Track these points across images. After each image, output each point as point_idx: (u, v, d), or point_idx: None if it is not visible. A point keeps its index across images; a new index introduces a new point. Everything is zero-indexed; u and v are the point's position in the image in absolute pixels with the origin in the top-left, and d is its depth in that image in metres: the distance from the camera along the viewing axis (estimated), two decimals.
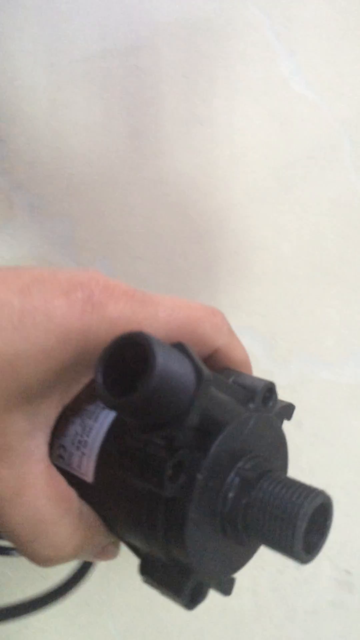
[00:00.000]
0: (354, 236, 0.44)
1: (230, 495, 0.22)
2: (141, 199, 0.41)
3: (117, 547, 0.25)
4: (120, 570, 0.41)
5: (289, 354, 0.43)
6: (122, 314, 0.20)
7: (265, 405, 0.24)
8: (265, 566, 0.43)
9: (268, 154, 0.41)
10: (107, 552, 0.25)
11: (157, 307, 0.21)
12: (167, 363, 0.18)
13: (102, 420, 0.24)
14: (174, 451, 0.21)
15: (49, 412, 0.21)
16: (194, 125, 0.40)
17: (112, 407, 0.18)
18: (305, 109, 0.41)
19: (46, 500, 0.21)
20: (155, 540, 0.22)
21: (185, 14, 0.39)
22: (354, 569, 0.46)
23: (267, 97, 0.40)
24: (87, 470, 0.23)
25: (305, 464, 0.44)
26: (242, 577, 0.43)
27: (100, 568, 0.40)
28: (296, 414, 0.43)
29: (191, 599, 0.23)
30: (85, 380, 0.22)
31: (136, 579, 0.41)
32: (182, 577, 0.23)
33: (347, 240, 0.44)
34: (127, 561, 0.40)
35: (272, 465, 0.23)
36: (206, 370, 0.19)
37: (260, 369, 0.42)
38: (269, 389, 0.24)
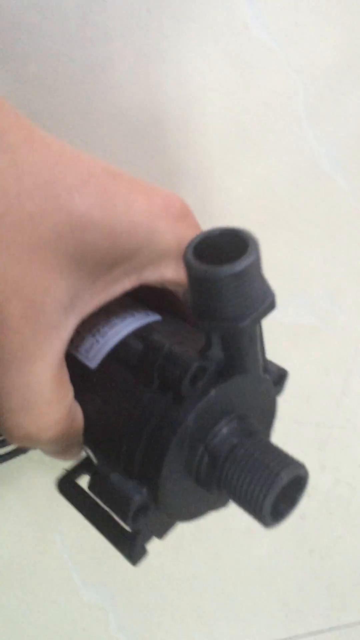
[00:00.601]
0: (304, 184, 0.46)
1: (214, 443, 0.22)
2: (97, 133, 0.42)
3: (80, 451, 0.26)
4: None
5: None
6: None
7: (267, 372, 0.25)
8: None
9: (225, 97, 0.43)
10: (69, 453, 0.25)
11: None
12: (259, 260, 0.20)
13: (129, 323, 0.25)
14: (201, 359, 0.22)
15: (88, 303, 0.21)
16: (155, 62, 0.40)
17: (199, 274, 0.19)
18: (264, 55, 0.43)
19: (51, 378, 0.20)
20: (130, 453, 0.22)
21: None
22: None
23: (228, 40, 0.41)
24: (95, 357, 0.24)
25: None
26: None
27: (49, 484, 0.42)
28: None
29: (134, 519, 0.22)
30: (124, 287, 0.22)
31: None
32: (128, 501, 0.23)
33: (297, 188, 0.46)
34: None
35: (250, 425, 0.24)
36: (273, 295, 0.22)
37: None
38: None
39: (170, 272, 0.24)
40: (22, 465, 0.40)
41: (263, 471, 0.21)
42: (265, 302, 0.22)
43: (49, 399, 0.21)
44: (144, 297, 0.28)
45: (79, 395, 0.24)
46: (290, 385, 0.48)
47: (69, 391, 0.22)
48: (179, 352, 0.22)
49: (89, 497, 0.26)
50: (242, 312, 0.21)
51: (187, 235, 0.23)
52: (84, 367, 0.24)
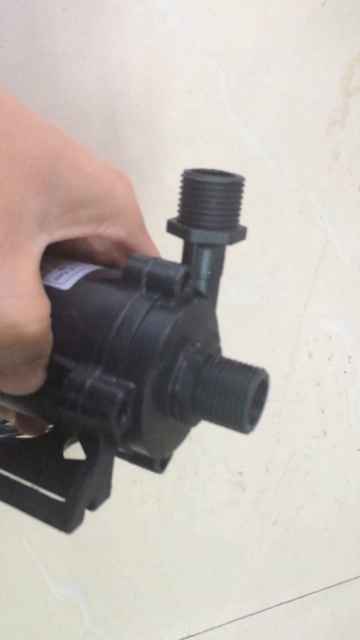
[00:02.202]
0: (233, 166, 0.47)
1: (180, 376, 0.23)
2: None
3: (40, 379, 0.25)
4: None
5: None
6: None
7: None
8: (167, 474, 0.47)
9: (149, 88, 0.43)
10: (33, 376, 0.24)
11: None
12: (242, 185, 0.26)
13: (93, 265, 0.26)
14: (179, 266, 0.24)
15: (55, 229, 0.23)
16: (76, 59, 0.41)
17: (199, 180, 0.25)
18: (182, 44, 0.44)
19: (34, 274, 0.22)
20: (114, 350, 0.23)
21: None
22: (244, 469, 0.51)
23: (145, 33, 0.42)
24: (67, 281, 0.25)
25: None
26: (147, 486, 0.47)
27: None
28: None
29: (118, 418, 0.22)
30: (84, 231, 0.25)
31: None
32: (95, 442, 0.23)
33: (225, 169, 0.47)
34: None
35: (213, 348, 0.25)
36: (245, 228, 0.27)
37: None
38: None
39: (124, 232, 0.26)
40: None
41: (233, 386, 0.23)
42: (244, 231, 0.27)
43: (33, 291, 0.22)
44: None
45: (56, 315, 0.24)
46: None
47: (47, 299, 0.23)
48: (166, 261, 0.24)
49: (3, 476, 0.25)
50: (226, 225, 0.26)
51: (138, 208, 0.27)
52: (55, 290, 0.25)
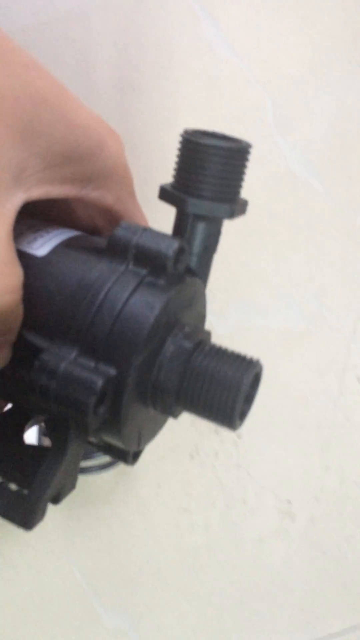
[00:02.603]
0: (281, 192, 0.47)
1: (166, 363, 0.21)
2: None
3: (5, 359, 0.21)
4: (81, 518, 0.43)
5: (226, 305, 0.46)
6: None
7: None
8: (215, 502, 0.47)
9: (197, 116, 0.44)
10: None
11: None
12: (248, 151, 0.24)
13: (72, 230, 0.24)
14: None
15: (33, 186, 0.20)
16: (127, 91, 0.41)
17: (201, 142, 0.22)
18: (230, 72, 0.44)
19: (5, 237, 0.19)
20: (94, 329, 0.20)
21: None
22: (293, 498, 0.50)
23: (193, 62, 0.42)
24: (43, 246, 0.22)
25: None
26: (195, 515, 0.47)
27: (62, 517, 0.42)
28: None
29: (96, 407, 0.19)
30: (67, 192, 0.22)
31: (96, 525, 0.44)
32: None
33: (274, 195, 0.47)
34: (87, 510, 0.43)
35: (203, 333, 0.22)
36: (246, 201, 0.24)
37: None
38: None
39: (111, 197, 0.23)
40: None
41: (225, 377, 0.20)
42: (245, 204, 0.24)
43: (4, 257, 0.19)
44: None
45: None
46: (287, 389, 0.48)
47: (20, 267, 0.20)
48: (157, 232, 0.21)
49: None
50: (227, 197, 0.23)
51: (128, 171, 0.24)
52: (28, 256, 0.21)
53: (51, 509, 0.41)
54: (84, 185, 0.22)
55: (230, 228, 0.46)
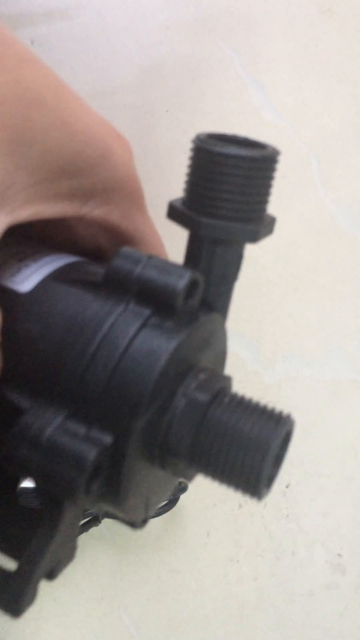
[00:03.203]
0: (326, 245, 0.48)
1: (175, 421, 0.17)
2: None
3: None
4: (131, 564, 0.44)
5: (274, 355, 0.47)
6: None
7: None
8: (263, 553, 0.47)
9: None
10: None
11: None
12: (276, 160, 0.19)
13: (66, 256, 0.20)
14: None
15: (20, 207, 0.17)
16: (178, 155, 0.44)
17: (218, 152, 0.17)
18: (276, 134, 0.46)
19: None
20: (86, 385, 0.16)
21: (164, 57, 0.43)
22: (344, 551, 0.49)
23: (241, 125, 0.45)
24: (26, 280, 0.18)
25: (294, 455, 0.47)
26: (243, 565, 0.47)
27: (113, 562, 0.43)
28: (284, 410, 0.47)
29: (88, 484, 0.16)
30: (63, 211, 0.18)
31: (145, 572, 0.45)
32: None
33: (319, 249, 0.48)
34: (137, 556, 0.44)
35: (222, 380, 0.19)
36: (274, 218, 0.20)
37: (248, 370, 0.46)
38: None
39: (117, 214, 0.20)
40: (86, 542, 0.41)
41: (249, 436, 0.17)
42: (272, 222, 0.20)
43: None
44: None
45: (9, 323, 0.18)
46: (335, 440, 0.48)
47: None
48: (165, 262, 0.17)
49: None
50: (251, 216, 0.18)
51: (138, 182, 0.20)
52: (9, 292, 0.18)
53: (99, 552, 0.42)
54: (84, 202, 0.19)
55: (278, 281, 0.48)
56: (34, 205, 0.17)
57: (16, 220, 0.17)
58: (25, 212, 0.17)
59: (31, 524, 0.17)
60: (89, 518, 0.39)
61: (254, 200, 0.18)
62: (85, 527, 0.39)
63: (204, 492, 0.45)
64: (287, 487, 0.47)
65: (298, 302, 0.47)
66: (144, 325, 0.17)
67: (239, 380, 0.45)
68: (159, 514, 0.40)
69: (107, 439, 0.16)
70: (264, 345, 0.47)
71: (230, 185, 0.18)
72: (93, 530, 0.40)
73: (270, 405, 0.18)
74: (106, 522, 0.41)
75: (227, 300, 0.21)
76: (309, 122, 0.48)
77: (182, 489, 0.41)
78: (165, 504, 0.41)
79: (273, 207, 0.47)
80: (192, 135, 0.46)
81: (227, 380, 0.19)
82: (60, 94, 0.17)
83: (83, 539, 0.40)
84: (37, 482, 0.16)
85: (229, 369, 0.43)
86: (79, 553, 0.43)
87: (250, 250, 0.47)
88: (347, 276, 0.49)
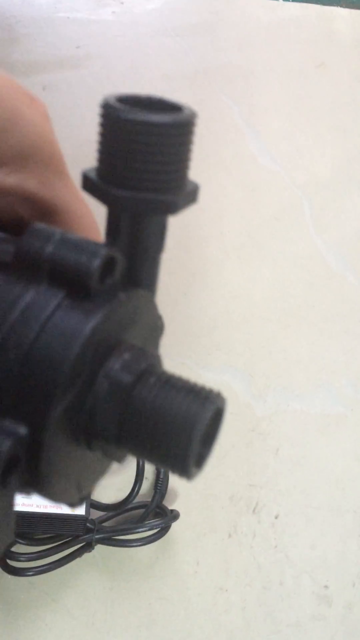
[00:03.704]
0: (317, 283, 0.51)
1: (99, 405, 0.17)
2: None
3: None
4: (122, 591, 0.45)
5: (266, 388, 0.48)
6: None
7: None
8: (252, 583, 0.48)
9: (241, 217, 0.48)
10: None
11: None
12: (193, 123, 0.17)
13: None
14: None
15: None
16: None
17: (132, 119, 0.16)
18: (271, 179, 0.49)
19: None
20: None
21: None
22: (330, 583, 0.50)
23: (238, 170, 0.48)
24: None
25: (283, 487, 0.49)
26: (232, 594, 0.48)
27: (104, 589, 0.44)
28: (273, 443, 0.48)
29: (3, 477, 0.15)
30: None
31: (135, 599, 0.45)
32: None
33: (311, 287, 0.51)
34: (128, 584, 0.45)
35: (148, 358, 0.18)
36: (197, 186, 0.18)
37: (240, 401, 0.48)
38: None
39: (34, 181, 0.19)
40: (80, 569, 0.42)
41: (175, 416, 0.16)
42: (195, 190, 0.18)
43: None
44: None
45: None
46: (324, 473, 0.50)
47: None
48: (78, 239, 0.16)
49: None
50: (170, 185, 0.17)
51: (55, 145, 0.19)
52: None
53: (92, 578, 0.43)
54: None
55: (269, 316, 0.50)
56: None
57: None
58: None
59: None
60: (82, 544, 0.40)
61: (171, 169, 0.17)
62: (79, 552, 0.40)
63: (194, 521, 0.46)
64: (276, 517, 0.48)
65: (290, 338, 0.49)
66: (57, 307, 0.16)
67: (231, 412, 0.46)
68: (150, 541, 0.42)
69: (22, 429, 0.15)
70: (256, 378, 0.48)
71: (143, 155, 0.16)
72: (86, 556, 0.41)
73: (200, 384, 0.17)
74: (99, 549, 0.42)
75: (154, 274, 0.20)
76: (303, 167, 0.50)
77: (174, 517, 0.42)
78: (157, 532, 0.42)
79: (267, 244, 0.49)
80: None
81: (155, 358, 0.18)
82: None
83: (75, 565, 0.41)
84: None
85: None
86: (71, 579, 0.44)
87: (245, 286, 0.49)
88: (336, 314, 0.51)
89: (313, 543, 0.49)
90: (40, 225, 0.17)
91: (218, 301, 0.48)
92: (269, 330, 0.49)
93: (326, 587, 0.49)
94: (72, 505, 0.19)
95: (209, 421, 0.17)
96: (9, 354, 0.15)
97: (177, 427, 0.16)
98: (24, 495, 0.18)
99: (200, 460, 0.17)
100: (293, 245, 0.50)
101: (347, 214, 0.53)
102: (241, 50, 0.50)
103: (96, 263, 0.16)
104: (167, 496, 0.44)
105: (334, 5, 0.53)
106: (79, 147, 0.47)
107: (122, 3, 0.48)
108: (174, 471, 0.17)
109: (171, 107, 0.17)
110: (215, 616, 0.47)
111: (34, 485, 0.16)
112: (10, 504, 0.17)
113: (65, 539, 0.39)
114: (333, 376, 0.51)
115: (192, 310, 0.48)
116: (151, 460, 0.17)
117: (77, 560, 0.41)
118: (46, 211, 0.20)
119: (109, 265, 0.16)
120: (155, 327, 0.21)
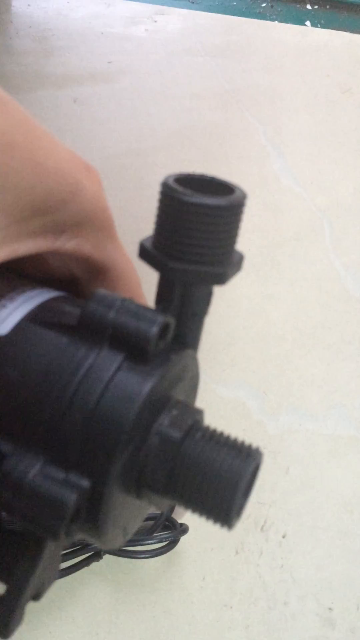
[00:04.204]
0: (333, 305, 0.51)
1: (150, 458, 0.18)
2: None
3: None
4: (127, 603, 0.45)
5: (279, 406, 0.48)
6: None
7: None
8: (256, 602, 0.47)
9: (261, 236, 0.49)
10: None
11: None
12: (243, 204, 0.19)
13: (43, 292, 0.20)
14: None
15: (3, 242, 0.17)
16: None
17: (189, 201, 0.17)
18: (293, 200, 0.49)
19: None
20: (64, 432, 0.17)
21: (194, 122, 0.47)
22: (335, 605, 0.50)
23: (261, 189, 0.48)
24: (4, 322, 0.19)
25: (292, 506, 0.49)
26: (236, 612, 0.47)
27: (110, 600, 0.44)
28: (283, 461, 0.49)
29: (69, 527, 0.16)
30: (37, 247, 0.19)
31: (140, 611, 0.45)
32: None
33: (327, 309, 0.51)
34: (133, 596, 0.45)
35: (194, 414, 0.19)
36: (242, 255, 0.20)
37: (253, 419, 0.48)
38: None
39: (89, 245, 0.20)
40: (85, 578, 0.42)
41: (220, 470, 0.18)
42: (240, 260, 0.20)
43: None
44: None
45: None
46: (333, 494, 0.50)
47: None
48: (137, 306, 0.18)
49: None
50: (219, 259, 0.19)
51: (108, 212, 0.20)
52: None
53: (98, 588, 0.43)
54: (57, 237, 0.19)
55: (286, 335, 0.50)
56: (10, 245, 0.18)
57: None
58: (2, 253, 0.17)
59: (15, 547, 0.18)
60: (90, 553, 0.40)
61: (222, 244, 0.19)
62: (87, 561, 0.40)
63: (202, 536, 0.46)
64: (283, 537, 0.48)
65: (304, 358, 0.49)
66: (118, 369, 0.17)
67: (243, 429, 0.47)
68: (158, 554, 0.42)
69: (85, 483, 0.16)
70: (269, 396, 0.49)
71: (198, 232, 0.18)
72: (93, 566, 0.42)
73: (240, 439, 0.19)
74: (107, 559, 0.42)
75: (198, 334, 0.22)
76: (324, 190, 0.51)
77: (183, 530, 0.42)
78: (166, 545, 0.42)
79: (287, 264, 0.50)
80: None
81: (199, 413, 0.20)
82: (31, 134, 0.17)
83: (83, 575, 0.41)
84: (21, 523, 0.16)
85: (235, 417, 0.45)
86: (77, 588, 0.44)
87: (263, 305, 0.50)
88: (352, 337, 0.52)
89: (319, 564, 0.49)
90: (103, 291, 0.18)
91: (235, 318, 0.49)
92: (284, 349, 0.49)
93: (330, 609, 0.49)
94: (117, 548, 0.20)
95: (250, 476, 0.18)
96: (75, 413, 0.16)
97: (223, 481, 0.18)
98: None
99: (239, 510, 0.19)
100: (312, 266, 0.50)
101: None
102: (269, 72, 0.51)
103: (154, 330, 0.17)
104: (176, 510, 0.45)
105: None
106: (106, 159, 0.47)
107: (155, 22, 0.49)
108: (216, 520, 0.18)
109: (222, 187, 0.19)
110: (219, 633, 0.47)
111: (89, 532, 0.17)
112: (62, 549, 0.18)
113: (75, 547, 0.39)
114: (346, 398, 0.51)
115: (209, 325, 0.48)
116: (195, 510, 0.19)
117: (84, 570, 0.41)
118: (98, 271, 0.21)
119: (164, 330, 0.18)
120: (196, 381, 0.22)
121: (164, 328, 0.18)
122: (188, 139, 0.47)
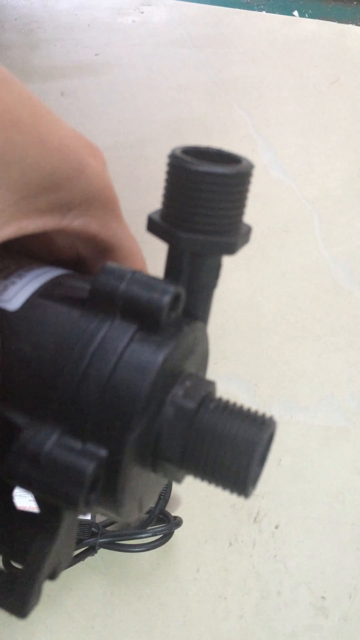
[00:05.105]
0: (324, 297, 0.51)
1: (165, 429, 0.18)
2: None
3: None
4: (122, 596, 0.45)
5: (270, 398, 0.49)
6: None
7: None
8: (250, 592, 0.48)
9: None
10: None
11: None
12: (251, 173, 0.19)
13: (51, 269, 0.20)
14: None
15: (2, 227, 0.17)
16: None
17: (197, 170, 0.17)
18: (282, 192, 0.49)
19: None
20: (80, 403, 0.17)
21: (183, 113, 0.46)
22: (327, 594, 0.51)
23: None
24: (14, 297, 0.19)
25: (284, 497, 0.49)
26: (230, 603, 0.48)
27: (105, 593, 0.44)
28: (275, 453, 0.49)
29: (87, 496, 0.16)
30: (44, 225, 0.19)
31: (135, 604, 0.46)
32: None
33: (317, 301, 0.51)
34: (128, 589, 0.45)
35: (207, 385, 0.19)
36: (250, 227, 0.20)
37: None
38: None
39: (95, 224, 0.20)
40: (81, 572, 0.42)
41: (235, 439, 0.18)
42: (248, 231, 0.20)
43: None
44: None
45: None
46: (324, 485, 0.50)
47: None
48: (148, 277, 0.18)
49: None
50: (228, 229, 0.19)
51: (113, 191, 0.20)
52: None
53: (93, 582, 0.43)
54: (63, 215, 0.19)
55: (277, 328, 0.50)
56: (17, 222, 0.18)
57: (2, 239, 0.18)
58: (9, 230, 0.18)
59: (30, 528, 0.18)
60: (85, 547, 0.40)
61: (231, 214, 0.19)
62: (82, 556, 0.40)
63: (196, 528, 0.47)
64: (276, 527, 0.48)
65: (295, 350, 0.49)
66: (131, 340, 0.17)
67: None
68: (153, 547, 0.42)
69: (103, 452, 0.16)
70: (260, 388, 0.49)
71: (206, 201, 0.18)
72: (88, 559, 0.42)
73: (253, 409, 0.19)
74: (102, 553, 0.42)
75: (208, 307, 0.22)
76: (313, 182, 0.51)
77: (177, 523, 0.42)
78: (160, 538, 0.42)
79: (277, 256, 0.50)
80: None
81: (212, 385, 0.20)
82: (35, 112, 0.17)
83: (78, 569, 0.42)
84: (38, 494, 0.16)
85: None
86: (72, 582, 0.45)
87: (253, 298, 0.50)
88: (341, 328, 0.52)
89: (312, 554, 0.49)
90: (113, 264, 0.18)
91: (225, 311, 0.49)
92: (275, 341, 0.49)
93: (323, 598, 0.49)
94: (133, 523, 0.19)
95: (266, 443, 0.18)
96: (90, 384, 0.17)
97: (238, 450, 0.18)
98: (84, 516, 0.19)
99: (255, 479, 0.19)
100: (301, 258, 0.50)
101: (356, 229, 0.53)
102: (256, 63, 0.50)
103: (166, 299, 0.17)
104: (170, 503, 0.45)
105: (349, 23, 0.54)
106: None
107: (142, 12, 0.48)
108: (232, 490, 0.18)
109: (229, 158, 0.19)
110: (214, 623, 0.47)
111: (107, 504, 0.17)
112: (76, 522, 0.18)
113: None
114: (337, 389, 0.52)
115: None
116: (211, 480, 0.19)
117: (80, 563, 0.41)
118: (104, 250, 0.21)
119: (175, 300, 0.18)
120: (206, 355, 0.22)
121: (175, 298, 0.18)
122: (176, 131, 0.47)
